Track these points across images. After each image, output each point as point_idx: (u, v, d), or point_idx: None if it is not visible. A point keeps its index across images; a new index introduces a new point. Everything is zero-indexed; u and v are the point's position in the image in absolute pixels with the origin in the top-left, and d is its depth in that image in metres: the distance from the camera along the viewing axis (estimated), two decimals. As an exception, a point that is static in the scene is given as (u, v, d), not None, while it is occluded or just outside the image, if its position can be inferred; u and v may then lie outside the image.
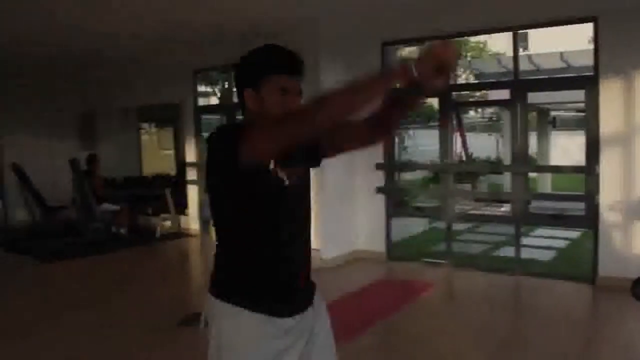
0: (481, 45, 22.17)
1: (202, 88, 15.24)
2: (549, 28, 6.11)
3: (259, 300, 1.70)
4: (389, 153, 6.97)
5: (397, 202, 7.49)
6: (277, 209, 1.73)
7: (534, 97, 10.31)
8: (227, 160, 1.59)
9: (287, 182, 1.72)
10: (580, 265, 6.68)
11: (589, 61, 5.87)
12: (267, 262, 1.73)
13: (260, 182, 1.65)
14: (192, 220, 9.16)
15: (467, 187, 13.27)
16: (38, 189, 9.30)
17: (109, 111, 10.77)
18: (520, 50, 6.25)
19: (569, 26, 5.94)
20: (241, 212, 1.69)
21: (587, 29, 5.80)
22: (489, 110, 21.71)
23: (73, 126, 11.25)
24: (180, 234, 9.04)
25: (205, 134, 18.38)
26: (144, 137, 13.60)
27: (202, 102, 10.29)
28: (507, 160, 10.13)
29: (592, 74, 5.61)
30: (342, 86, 1.50)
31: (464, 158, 14.15)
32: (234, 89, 1.88)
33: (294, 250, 1.80)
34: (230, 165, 1.59)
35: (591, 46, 5.71)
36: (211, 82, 16.98)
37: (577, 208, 7.93)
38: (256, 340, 1.68)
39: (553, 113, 15.81)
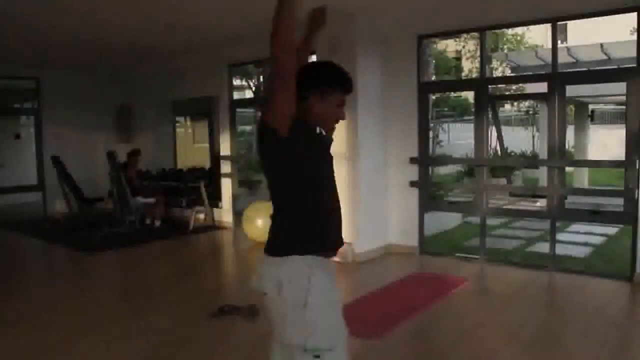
0: (518, 38, 21.74)
1: (237, 82, 15.35)
2: (590, 19, 5.95)
3: (317, 246, 2.12)
4: (423, 147, 6.90)
5: (430, 196, 7.44)
6: (327, 166, 2.24)
7: (572, 90, 10.09)
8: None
9: (331, 140, 2.28)
10: (617, 262, 6.54)
11: (631, 53, 5.72)
12: (321, 215, 2.15)
13: (314, 144, 2.16)
14: (225, 213, 9.25)
15: (502, 181, 13.11)
16: (76, 180, 9.51)
17: (146, 105, 10.94)
18: (559, 42, 6.11)
19: (611, 17, 5.78)
20: (301, 174, 2.10)
21: (630, 19, 5.64)
22: (526, 104, 21.33)
23: (110, 119, 11.49)
24: (213, 226, 9.14)
25: (243, 127, 18.53)
26: (179, 131, 13.81)
27: (236, 95, 10.36)
28: (543, 155, 9.95)
29: (634, 65, 5.46)
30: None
31: (499, 152, 13.99)
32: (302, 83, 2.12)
33: (338, 204, 2.25)
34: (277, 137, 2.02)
35: (634, 37, 5.56)
36: (246, 76, 17.09)
37: (615, 204, 7.78)
38: (322, 274, 2.09)
39: (591, 106, 15.47)
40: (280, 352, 2.16)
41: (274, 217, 2.16)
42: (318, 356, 2.00)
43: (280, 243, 2.11)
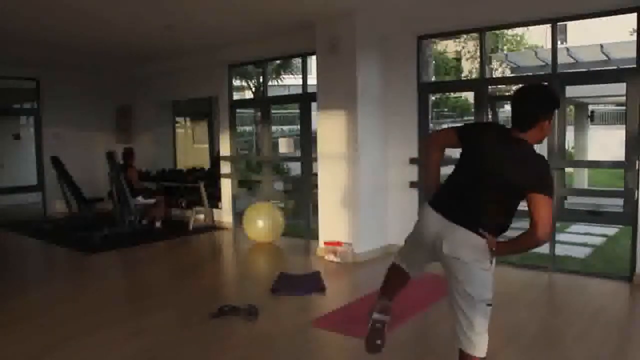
0: (517, 38, 21.76)
1: (236, 82, 15.32)
2: (590, 20, 5.94)
3: None
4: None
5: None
6: None
7: (571, 91, 10.09)
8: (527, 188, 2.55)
9: None
10: (617, 262, 6.55)
11: (631, 53, 5.72)
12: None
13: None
14: (225, 213, 9.24)
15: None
16: (75, 181, 9.51)
17: (146, 105, 10.94)
18: (559, 42, 6.11)
19: (610, 17, 5.78)
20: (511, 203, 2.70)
21: (630, 20, 5.64)
22: (525, 105, 21.30)
23: (110, 120, 11.49)
24: (213, 227, 9.14)
25: (242, 128, 18.41)
26: (179, 131, 13.80)
27: (236, 96, 10.35)
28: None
29: (634, 66, 5.46)
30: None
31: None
32: (531, 110, 2.62)
33: None
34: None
35: (633, 37, 5.56)
36: (245, 76, 17.07)
37: (615, 204, 7.78)
38: None
39: (591, 107, 15.47)
40: (460, 300, 2.78)
41: (480, 211, 2.68)
42: (490, 304, 2.80)
43: (484, 228, 2.66)
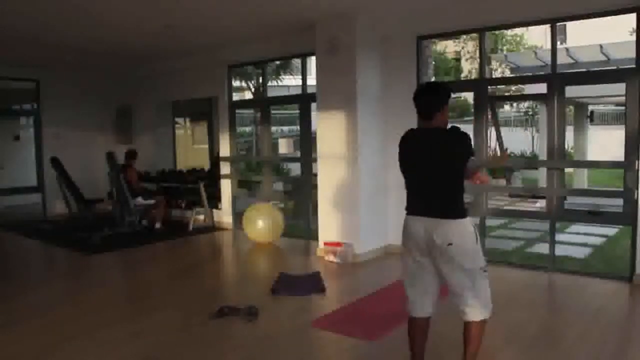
0: (517, 39, 21.77)
1: (236, 83, 15.31)
2: (589, 20, 5.94)
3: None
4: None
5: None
6: None
7: (571, 91, 10.08)
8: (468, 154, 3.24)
9: None
10: (617, 262, 6.54)
11: (630, 54, 5.72)
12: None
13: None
14: (224, 214, 9.24)
15: (502, 182, 13.11)
16: (75, 181, 9.50)
17: (145, 105, 10.94)
18: (558, 43, 6.11)
19: (610, 17, 5.78)
20: (461, 174, 3.24)
21: (629, 20, 5.64)
22: (525, 105, 21.33)
23: (110, 120, 11.49)
24: (213, 227, 9.14)
25: (242, 128, 18.48)
26: (179, 132, 13.79)
27: (236, 97, 10.35)
28: (542, 155, 9.95)
29: (633, 66, 5.46)
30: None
31: (498, 153, 13.97)
32: (433, 100, 3.30)
33: None
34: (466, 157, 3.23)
35: (633, 38, 5.56)
36: (245, 77, 17.06)
37: (615, 204, 7.78)
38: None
39: (591, 107, 15.47)
40: (463, 277, 3.16)
41: (448, 195, 3.22)
42: (485, 270, 3.23)
43: (460, 210, 3.17)
